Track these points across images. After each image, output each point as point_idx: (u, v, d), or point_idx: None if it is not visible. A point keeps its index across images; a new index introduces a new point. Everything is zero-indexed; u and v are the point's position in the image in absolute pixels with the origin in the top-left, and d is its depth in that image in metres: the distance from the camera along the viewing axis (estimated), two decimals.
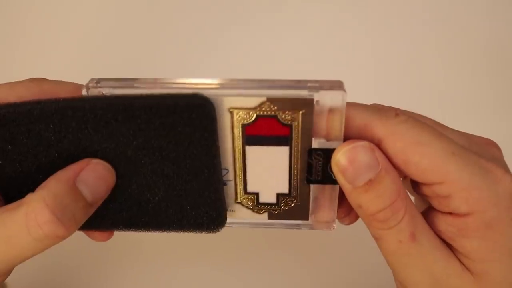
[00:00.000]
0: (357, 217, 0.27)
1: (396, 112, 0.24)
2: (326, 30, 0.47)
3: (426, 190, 0.24)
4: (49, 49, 0.50)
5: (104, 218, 0.26)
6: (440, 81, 0.53)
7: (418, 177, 0.24)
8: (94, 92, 0.24)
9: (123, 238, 0.32)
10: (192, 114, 0.23)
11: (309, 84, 0.23)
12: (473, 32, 0.48)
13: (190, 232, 0.27)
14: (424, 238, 0.24)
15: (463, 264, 0.24)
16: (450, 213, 0.24)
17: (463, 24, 0.48)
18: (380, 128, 0.23)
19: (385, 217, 0.23)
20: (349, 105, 0.24)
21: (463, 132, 0.26)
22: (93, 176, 0.24)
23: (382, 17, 0.47)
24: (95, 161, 0.24)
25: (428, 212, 0.25)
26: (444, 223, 0.24)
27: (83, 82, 0.24)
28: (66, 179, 0.23)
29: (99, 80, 0.24)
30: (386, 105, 0.26)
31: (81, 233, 0.27)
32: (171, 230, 0.27)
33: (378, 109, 0.24)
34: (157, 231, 0.27)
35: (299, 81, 0.23)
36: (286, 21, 0.50)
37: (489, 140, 0.26)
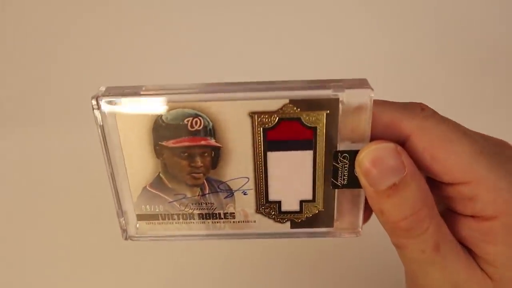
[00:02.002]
0: (369, 217, 0.27)
1: (421, 107, 0.23)
2: (330, 31, 0.46)
3: (449, 190, 0.23)
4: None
5: None
6: (440, 81, 0.52)
7: (443, 176, 0.23)
8: (105, 101, 0.22)
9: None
10: None
11: (332, 84, 0.22)
12: (475, 32, 0.47)
13: None
14: (447, 248, 0.23)
15: (484, 271, 0.23)
16: (473, 217, 0.23)
17: (465, 24, 0.47)
18: (408, 124, 0.22)
19: (408, 225, 0.22)
20: (374, 102, 0.22)
21: (479, 132, 0.25)
22: None
23: (381, 17, 0.46)
24: None
25: (447, 216, 0.24)
26: (466, 228, 0.23)
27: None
28: None
29: (108, 89, 0.23)
30: None
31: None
32: None
33: (403, 105, 0.23)
34: None
35: (322, 81, 0.22)
36: (290, 23, 0.49)
37: (503, 141, 0.25)
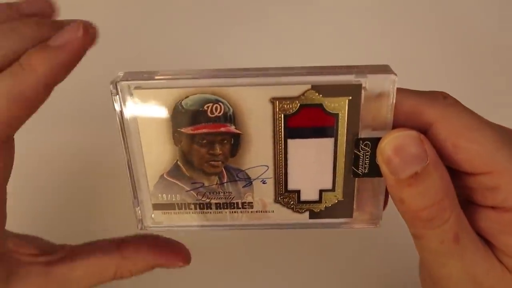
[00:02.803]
0: (384, 207, 0.26)
1: (444, 95, 0.22)
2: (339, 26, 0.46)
3: (470, 180, 0.23)
4: None
5: None
6: (441, 80, 0.52)
7: (465, 165, 0.22)
8: (124, 85, 0.22)
9: None
10: None
11: (355, 69, 0.22)
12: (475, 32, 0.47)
13: None
14: (467, 239, 0.22)
15: (502, 263, 0.22)
16: (493, 208, 0.22)
17: (465, 23, 0.47)
18: (431, 112, 0.22)
19: (429, 216, 0.21)
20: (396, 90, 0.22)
21: (500, 124, 0.25)
22: None
23: (381, 17, 0.46)
24: None
25: (466, 207, 0.24)
26: (485, 219, 0.23)
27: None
28: None
29: (127, 74, 0.22)
30: None
31: None
32: None
33: (425, 93, 0.23)
34: None
35: (344, 67, 0.22)
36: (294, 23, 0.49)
37: None
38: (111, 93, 0.22)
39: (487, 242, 0.23)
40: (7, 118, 0.21)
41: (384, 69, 0.22)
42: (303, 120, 0.23)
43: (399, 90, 0.22)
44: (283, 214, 0.25)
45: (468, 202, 0.24)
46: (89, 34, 0.21)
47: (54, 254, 0.26)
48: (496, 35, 0.42)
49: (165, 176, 0.24)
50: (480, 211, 0.23)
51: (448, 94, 0.23)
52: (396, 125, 0.22)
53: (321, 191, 0.25)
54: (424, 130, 0.22)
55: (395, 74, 0.21)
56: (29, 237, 0.27)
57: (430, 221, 0.22)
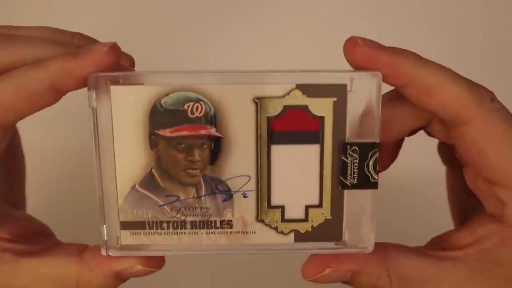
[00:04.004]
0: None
1: (491, 98, 0.22)
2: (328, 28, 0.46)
3: (483, 185, 0.23)
4: None
5: None
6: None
7: (485, 171, 0.22)
8: (100, 79, 0.21)
9: None
10: None
11: (341, 71, 0.22)
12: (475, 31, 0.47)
13: None
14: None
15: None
16: (496, 218, 0.23)
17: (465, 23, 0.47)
18: (471, 110, 0.21)
19: None
20: (444, 72, 0.21)
21: None
22: None
23: (380, 16, 0.46)
24: None
25: (473, 215, 0.24)
26: (485, 227, 0.23)
27: None
28: None
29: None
30: None
31: None
32: None
33: (473, 86, 0.22)
34: None
35: (331, 70, 0.22)
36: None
37: None
38: (88, 87, 0.21)
39: (484, 256, 0.23)
40: (9, 104, 0.21)
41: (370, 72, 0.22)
42: (287, 124, 0.22)
43: (448, 71, 0.22)
44: (266, 236, 0.23)
45: (475, 206, 0.24)
46: (114, 53, 0.21)
47: (29, 242, 0.24)
48: (496, 35, 0.43)
49: (137, 187, 0.22)
50: (483, 218, 0.23)
51: (495, 97, 0.22)
52: (431, 107, 0.22)
53: (307, 208, 0.23)
54: (456, 123, 0.22)
55: (381, 75, 0.21)
56: (2, 216, 0.24)
57: None
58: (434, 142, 0.28)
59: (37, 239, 0.25)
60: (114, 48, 0.21)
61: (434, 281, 0.23)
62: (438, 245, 0.25)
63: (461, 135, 0.22)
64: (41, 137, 0.27)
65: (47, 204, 0.32)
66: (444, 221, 0.28)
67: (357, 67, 0.21)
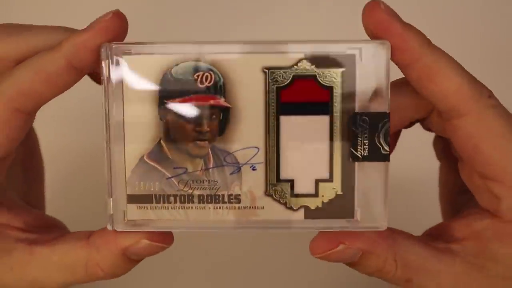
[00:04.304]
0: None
1: (489, 94, 0.22)
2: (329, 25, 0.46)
3: (478, 180, 0.22)
4: None
5: None
6: None
7: (480, 166, 0.22)
8: (114, 49, 0.21)
9: None
10: None
11: (350, 41, 0.22)
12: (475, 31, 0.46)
13: None
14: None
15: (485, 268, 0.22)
16: (491, 213, 0.22)
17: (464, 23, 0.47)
18: (470, 103, 0.21)
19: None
20: (449, 61, 0.21)
21: None
22: None
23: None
24: None
25: (467, 209, 0.24)
26: (480, 221, 0.23)
27: None
28: None
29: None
30: None
31: None
32: None
33: (473, 81, 0.22)
34: None
35: (339, 40, 0.22)
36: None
37: None
38: (100, 57, 0.21)
39: (477, 245, 0.23)
40: (28, 91, 0.21)
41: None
42: (296, 94, 0.22)
43: (453, 61, 0.21)
44: (275, 211, 0.22)
45: (468, 200, 0.24)
46: (118, 18, 0.22)
47: (43, 232, 0.24)
48: (496, 35, 0.42)
49: (145, 158, 0.22)
50: (477, 212, 0.23)
51: (493, 94, 0.22)
52: (431, 95, 0.21)
53: (317, 182, 0.22)
54: (451, 115, 0.22)
55: (389, 43, 0.21)
56: (17, 207, 0.24)
57: None
58: (429, 140, 0.28)
59: (50, 230, 0.25)
60: (117, 13, 0.21)
61: (434, 272, 0.22)
62: (435, 236, 0.24)
63: (457, 128, 0.22)
64: (47, 136, 0.28)
65: (54, 203, 0.31)
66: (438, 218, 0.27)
67: (370, 31, 0.21)
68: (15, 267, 0.22)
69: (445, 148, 0.26)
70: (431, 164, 0.28)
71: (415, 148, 0.29)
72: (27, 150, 0.27)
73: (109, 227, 0.22)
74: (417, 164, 0.36)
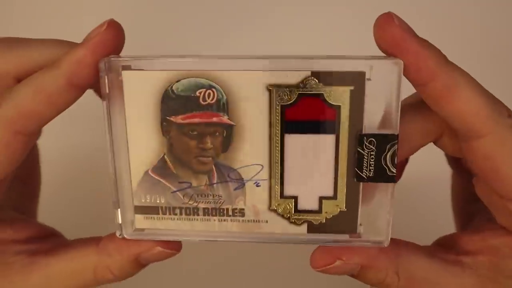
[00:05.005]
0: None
1: (509, 114, 0.21)
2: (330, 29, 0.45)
3: (496, 199, 0.22)
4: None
5: None
6: None
7: (499, 187, 0.21)
8: (113, 64, 0.21)
9: None
10: None
11: (359, 58, 0.20)
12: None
13: None
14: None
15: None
16: (507, 231, 0.22)
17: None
18: (489, 124, 0.20)
19: None
20: (467, 79, 0.20)
21: None
22: None
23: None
24: None
25: (481, 222, 0.24)
26: (498, 240, 0.22)
27: None
28: None
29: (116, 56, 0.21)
30: None
31: None
32: None
33: (492, 101, 0.20)
34: None
35: (347, 56, 0.21)
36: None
37: None
38: (100, 73, 0.21)
39: (491, 259, 0.22)
40: (29, 112, 0.21)
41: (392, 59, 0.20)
42: (302, 112, 0.21)
43: (471, 79, 0.20)
44: (278, 225, 0.23)
45: (484, 215, 0.24)
46: (113, 28, 0.21)
47: (42, 243, 0.24)
48: (496, 35, 0.41)
49: (149, 172, 0.22)
50: (493, 228, 0.23)
51: None
52: (446, 110, 0.20)
53: (321, 199, 0.22)
54: (468, 136, 0.21)
55: (402, 61, 0.20)
56: (18, 221, 0.25)
57: None
58: None
59: (49, 240, 0.25)
60: (111, 23, 0.21)
61: (441, 284, 0.22)
62: (445, 247, 0.24)
63: (475, 149, 0.21)
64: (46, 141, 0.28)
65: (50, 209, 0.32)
66: (446, 223, 0.27)
67: (383, 47, 0.20)
68: (16, 280, 0.23)
69: (457, 160, 0.26)
70: (442, 168, 0.28)
71: (425, 151, 0.28)
72: (28, 164, 0.27)
73: (118, 235, 0.23)
74: (428, 167, 0.35)
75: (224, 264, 0.42)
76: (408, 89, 0.21)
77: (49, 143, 0.28)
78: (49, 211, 0.29)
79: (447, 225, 0.26)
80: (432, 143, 0.24)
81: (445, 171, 0.28)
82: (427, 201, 0.39)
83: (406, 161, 0.26)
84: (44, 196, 0.29)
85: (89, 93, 0.23)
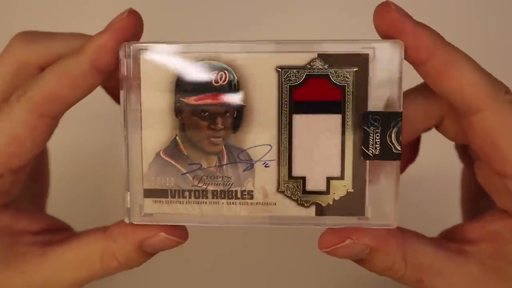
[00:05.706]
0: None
1: (506, 90, 0.22)
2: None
3: (495, 179, 0.22)
4: None
5: None
6: None
7: (497, 163, 0.21)
8: (133, 48, 0.22)
9: None
10: None
11: (363, 41, 0.22)
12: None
13: None
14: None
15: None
16: (508, 213, 0.22)
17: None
18: (487, 99, 0.21)
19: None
20: (464, 57, 0.21)
21: None
22: None
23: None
24: None
25: (481, 205, 0.24)
26: (497, 224, 0.23)
27: None
28: None
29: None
30: None
31: None
32: None
33: (489, 77, 0.21)
34: None
35: (352, 40, 0.22)
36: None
37: None
38: (119, 56, 0.22)
39: (492, 246, 0.22)
40: (54, 96, 0.22)
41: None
42: (309, 93, 0.22)
43: (467, 57, 0.21)
44: (287, 208, 0.23)
45: (484, 200, 0.24)
46: (133, 16, 0.22)
47: (54, 235, 0.25)
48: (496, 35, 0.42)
49: (161, 154, 0.23)
50: (494, 213, 0.23)
51: (510, 90, 0.22)
52: (446, 92, 0.21)
53: (328, 179, 0.22)
54: (467, 112, 0.21)
55: (403, 43, 0.21)
56: (29, 211, 0.25)
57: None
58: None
59: (60, 232, 0.26)
60: (132, 12, 0.22)
61: (446, 273, 0.22)
62: (449, 238, 0.24)
63: (474, 124, 0.22)
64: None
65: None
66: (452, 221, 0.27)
67: (383, 32, 0.22)
68: (28, 270, 0.23)
69: (466, 151, 0.26)
70: (451, 163, 0.28)
71: (434, 146, 0.29)
72: (37, 163, 0.27)
73: (126, 220, 0.23)
74: (436, 163, 0.35)
75: (228, 258, 0.41)
76: (409, 83, 0.23)
77: (56, 142, 0.28)
78: (55, 209, 0.29)
79: (453, 222, 0.26)
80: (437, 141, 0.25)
81: (451, 168, 0.28)
82: (432, 197, 0.39)
83: (418, 141, 0.26)
84: (50, 195, 0.29)
85: (96, 93, 0.24)
